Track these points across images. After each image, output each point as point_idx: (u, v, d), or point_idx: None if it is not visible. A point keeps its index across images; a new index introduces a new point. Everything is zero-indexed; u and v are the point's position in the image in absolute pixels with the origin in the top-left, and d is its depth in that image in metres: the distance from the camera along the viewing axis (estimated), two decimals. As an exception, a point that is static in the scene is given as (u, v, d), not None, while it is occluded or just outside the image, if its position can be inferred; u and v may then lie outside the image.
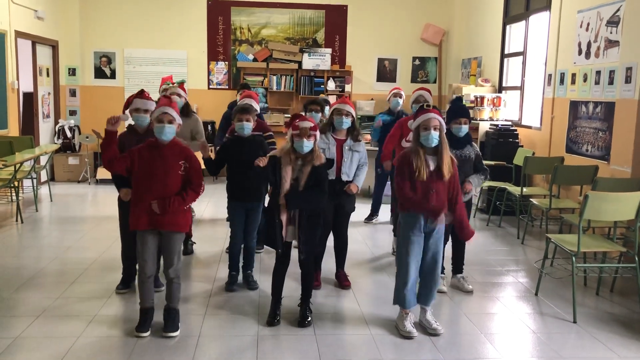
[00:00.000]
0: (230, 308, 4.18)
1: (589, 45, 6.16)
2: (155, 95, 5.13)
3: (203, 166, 4.02)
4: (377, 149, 6.73)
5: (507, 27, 8.44)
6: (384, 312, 4.15)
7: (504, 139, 7.35)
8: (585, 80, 6.21)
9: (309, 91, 9.95)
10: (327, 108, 5.53)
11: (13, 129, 7.90)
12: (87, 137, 9.15)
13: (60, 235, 6.11)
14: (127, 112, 4.18)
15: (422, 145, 3.64)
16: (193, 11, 10.00)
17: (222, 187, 4.64)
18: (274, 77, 10.01)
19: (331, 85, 10.01)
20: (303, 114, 5.62)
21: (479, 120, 7.82)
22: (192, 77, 10.00)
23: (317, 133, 3.82)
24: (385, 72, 10.45)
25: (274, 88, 10.01)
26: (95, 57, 10.01)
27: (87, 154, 9.32)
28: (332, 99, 9.75)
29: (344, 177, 4.46)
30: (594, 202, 4.08)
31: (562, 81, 6.72)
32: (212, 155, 4.51)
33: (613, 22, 5.74)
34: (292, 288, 4.28)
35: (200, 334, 3.74)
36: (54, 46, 9.37)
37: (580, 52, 6.33)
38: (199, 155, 3.96)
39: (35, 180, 7.37)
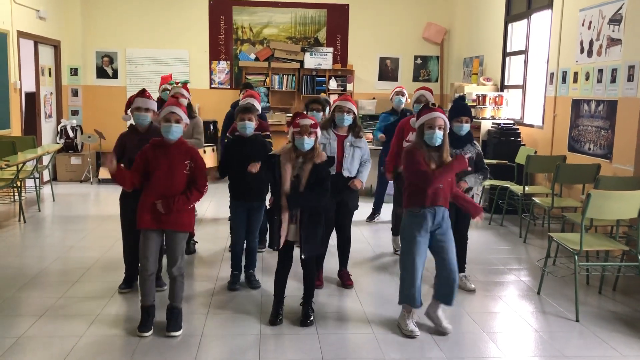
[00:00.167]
0: (233, 307, 4.19)
1: (591, 43, 6.15)
2: (155, 95, 5.13)
3: (210, 164, 4.02)
4: (380, 147, 6.73)
5: (509, 25, 8.43)
6: (387, 311, 4.15)
7: (506, 138, 7.34)
8: (587, 78, 6.20)
9: (311, 90, 9.95)
10: (327, 108, 5.53)
11: (15, 129, 7.91)
12: (89, 137, 9.16)
13: (63, 235, 6.12)
14: (128, 112, 4.18)
15: (426, 144, 3.64)
16: (195, 11, 10.00)
17: (224, 186, 4.65)
18: (276, 77, 10.02)
19: (333, 84, 10.01)
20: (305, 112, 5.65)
21: (481, 119, 7.81)
22: (194, 77, 10.01)
23: (318, 131, 3.81)
24: (387, 71, 10.44)
25: (276, 87, 10.01)
26: (97, 56, 10.02)
27: (90, 153, 9.33)
28: (333, 98, 9.77)
29: (345, 173, 4.46)
30: (597, 201, 4.08)
31: (564, 79, 6.71)
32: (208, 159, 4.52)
33: (615, 20, 5.73)
34: (294, 287, 4.28)
35: (202, 333, 3.74)
36: (56, 46, 9.39)
37: (582, 51, 6.32)
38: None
39: (37, 180, 7.38)
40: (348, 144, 4.48)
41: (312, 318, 3.91)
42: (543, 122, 7.20)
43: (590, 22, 6.16)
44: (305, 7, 10.17)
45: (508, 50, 8.46)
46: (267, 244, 5.18)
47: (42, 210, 7.22)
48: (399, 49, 10.39)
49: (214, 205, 7.50)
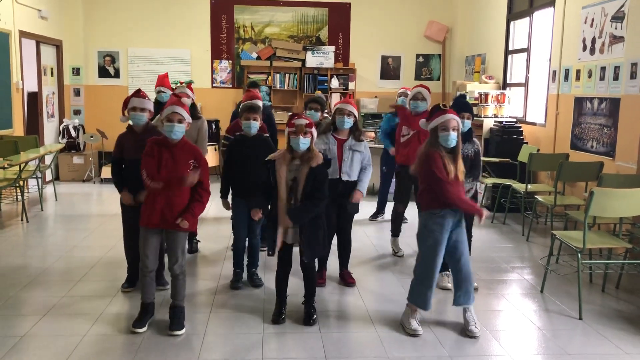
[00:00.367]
0: (236, 306, 4.19)
1: (593, 41, 6.14)
2: (151, 94, 5.11)
3: (211, 164, 4.03)
4: (381, 146, 6.73)
5: (511, 23, 8.41)
6: (389, 309, 4.15)
7: (508, 136, 7.33)
8: (590, 76, 6.19)
9: (313, 89, 9.94)
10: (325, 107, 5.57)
11: (18, 128, 7.92)
12: (91, 137, 9.17)
13: (66, 234, 6.13)
14: (126, 113, 4.17)
15: (441, 146, 3.62)
16: (196, 10, 10.00)
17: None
18: (278, 76, 10.02)
19: (335, 83, 10.00)
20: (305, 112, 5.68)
21: (483, 117, 7.80)
22: (195, 76, 10.00)
23: (314, 130, 3.78)
24: (389, 69, 10.43)
25: (278, 86, 10.01)
26: (99, 56, 10.03)
27: (92, 153, 9.34)
28: (335, 97, 9.78)
29: (345, 177, 4.44)
30: (600, 199, 4.07)
31: (566, 77, 6.69)
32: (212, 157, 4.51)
33: (618, 17, 5.71)
34: (296, 286, 4.28)
35: (205, 331, 3.74)
36: (58, 46, 9.40)
37: (584, 48, 6.31)
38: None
39: (40, 180, 7.40)
40: (347, 147, 4.45)
41: (314, 317, 3.91)
42: (545, 120, 7.19)
43: (593, 20, 6.15)
44: (307, 5, 10.16)
45: (510, 48, 8.45)
46: None
47: (45, 209, 7.23)
48: (400, 48, 10.38)
49: (216, 204, 7.48)
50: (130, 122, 4.15)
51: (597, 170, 5.64)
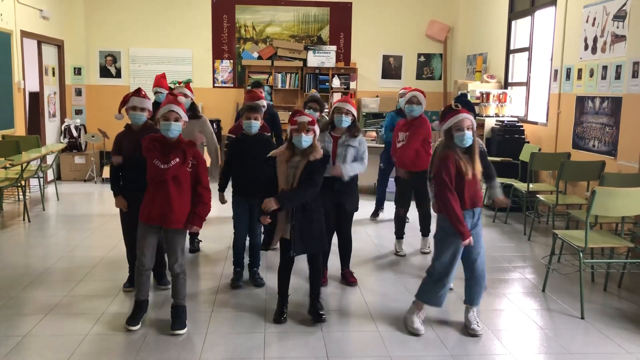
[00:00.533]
0: (237, 305, 4.19)
1: (595, 40, 6.13)
2: (150, 94, 5.12)
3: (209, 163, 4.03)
4: (381, 146, 6.74)
5: (513, 22, 8.41)
6: (391, 309, 4.15)
7: (509, 135, 7.32)
8: (591, 75, 6.18)
9: (314, 89, 9.93)
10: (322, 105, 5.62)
11: (19, 128, 7.93)
12: (93, 136, 9.18)
13: (67, 234, 6.14)
14: (122, 111, 4.18)
15: (456, 146, 3.61)
16: (198, 10, 10.00)
17: (228, 185, 4.64)
18: (279, 75, 10.01)
19: (336, 82, 10.00)
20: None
21: (485, 116, 7.79)
22: (197, 76, 10.02)
23: (316, 128, 3.78)
24: (390, 69, 10.43)
25: (279, 86, 10.01)
26: (101, 56, 10.04)
27: (93, 152, 9.35)
28: (337, 96, 9.77)
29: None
30: (601, 198, 4.06)
31: (568, 76, 6.68)
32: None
33: (619, 16, 5.70)
34: (297, 285, 4.28)
35: (207, 331, 3.75)
36: (60, 46, 9.40)
37: (586, 47, 6.30)
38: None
39: (41, 180, 7.40)
40: (341, 143, 4.45)
41: (324, 314, 3.89)
42: (547, 119, 7.18)
43: (595, 19, 6.14)
44: (308, 5, 10.16)
45: (512, 48, 8.44)
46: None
47: (47, 209, 7.24)
48: (402, 47, 10.38)
49: (217, 203, 7.48)
50: (128, 120, 4.15)
51: (599, 170, 5.63)
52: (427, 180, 5.18)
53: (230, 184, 4.60)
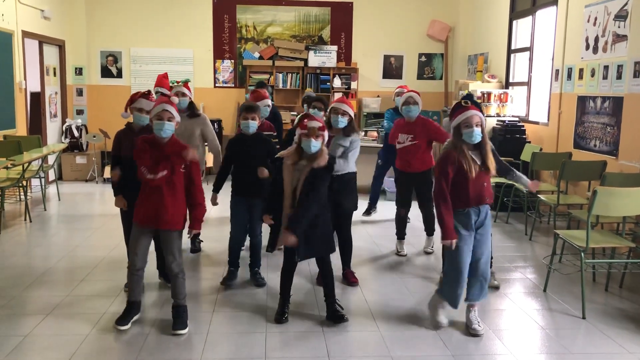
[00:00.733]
0: (238, 305, 4.19)
1: (596, 39, 6.12)
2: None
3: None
4: (380, 145, 6.73)
5: (514, 22, 8.40)
6: (392, 309, 4.15)
7: (511, 135, 7.32)
8: (592, 75, 6.17)
9: (315, 89, 9.94)
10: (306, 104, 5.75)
11: (21, 128, 7.94)
12: (94, 136, 9.18)
13: (69, 234, 6.14)
14: (128, 110, 4.18)
15: (464, 143, 3.61)
16: (199, 10, 10.01)
17: (229, 185, 4.65)
18: (280, 75, 10.01)
19: (337, 82, 10.00)
20: (304, 108, 5.74)
21: (486, 116, 7.77)
22: (198, 76, 10.03)
23: (326, 134, 3.79)
24: (391, 68, 10.43)
25: (280, 86, 10.01)
26: (102, 56, 10.04)
27: (95, 152, 9.35)
28: (338, 96, 9.76)
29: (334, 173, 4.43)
30: (603, 198, 4.06)
31: (569, 76, 6.68)
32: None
33: (621, 16, 5.70)
34: (299, 284, 4.29)
35: (208, 330, 3.75)
36: (61, 46, 9.41)
37: (587, 47, 6.29)
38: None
39: (43, 180, 7.41)
40: (334, 142, 4.47)
41: (345, 314, 3.88)
42: (548, 119, 7.18)
43: (596, 19, 6.14)
44: (309, 5, 10.16)
45: (513, 47, 8.43)
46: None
47: (48, 209, 7.25)
48: (403, 47, 10.37)
49: (219, 203, 7.49)
50: (131, 120, 4.16)
51: (600, 169, 5.62)
52: (427, 181, 5.22)
53: (228, 184, 4.60)
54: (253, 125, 4.41)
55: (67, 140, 9.32)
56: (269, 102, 5.36)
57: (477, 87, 8.30)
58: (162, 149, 3.62)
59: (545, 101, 7.34)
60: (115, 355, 3.43)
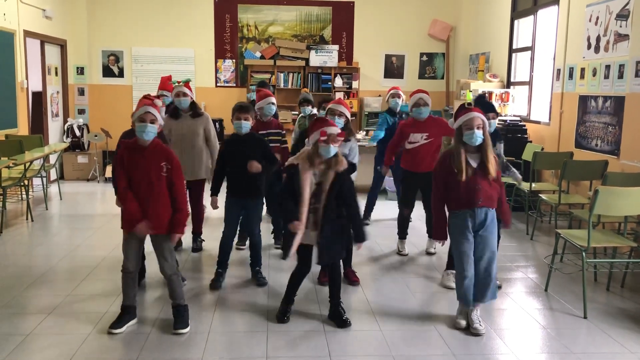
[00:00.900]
0: (240, 304, 4.19)
1: (598, 39, 6.12)
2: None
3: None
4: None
5: (515, 21, 8.40)
6: (394, 308, 4.15)
7: (512, 135, 7.31)
8: (594, 74, 6.17)
9: (317, 88, 9.95)
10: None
11: (22, 128, 7.95)
12: (95, 136, 9.19)
13: (70, 234, 6.15)
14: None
15: (465, 145, 3.63)
16: (200, 9, 10.01)
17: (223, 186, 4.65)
18: (281, 75, 10.01)
19: (338, 82, 10.00)
20: (300, 107, 5.97)
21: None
22: (199, 75, 10.04)
23: (342, 139, 3.82)
24: (393, 68, 10.42)
25: (281, 85, 10.01)
26: (103, 55, 10.05)
27: (96, 152, 9.37)
28: (339, 96, 9.77)
29: None
30: (604, 197, 4.06)
31: (571, 76, 6.67)
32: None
33: (623, 15, 5.69)
34: (302, 286, 4.27)
35: (210, 330, 3.75)
36: (62, 45, 9.42)
37: (589, 47, 6.29)
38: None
39: (44, 179, 7.42)
40: None
41: (348, 320, 3.86)
42: (550, 119, 7.17)
43: (597, 18, 6.13)
44: (311, 4, 10.16)
45: (514, 47, 8.43)
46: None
47: (49, 208, 7.25)
48: (404, 46, 10.37)
49: (220, 203, 7.49)
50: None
51: (602, 169, 5.62)
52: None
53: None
54: (246, 125, 4.42)
55: (69, 139, 9.33)
56: (273, 99, 5.39)
57: (478, 87, 8.30)
58: (144, 153, 3.59)
59: (547, 101, 7.33)
60: (116, 354, 3.43)
